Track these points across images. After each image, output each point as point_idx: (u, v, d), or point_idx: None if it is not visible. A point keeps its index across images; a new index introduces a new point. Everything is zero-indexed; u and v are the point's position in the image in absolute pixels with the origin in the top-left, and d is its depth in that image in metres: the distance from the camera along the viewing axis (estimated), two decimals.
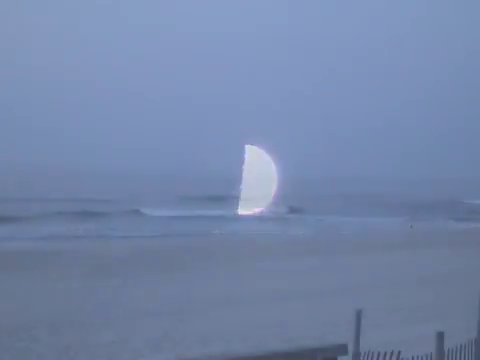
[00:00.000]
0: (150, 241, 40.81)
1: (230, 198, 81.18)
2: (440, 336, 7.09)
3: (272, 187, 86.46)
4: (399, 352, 7.07)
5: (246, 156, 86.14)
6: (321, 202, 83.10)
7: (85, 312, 16.82)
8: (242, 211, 69.04)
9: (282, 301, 18.95)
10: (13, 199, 67.66)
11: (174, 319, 16.05)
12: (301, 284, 22.09)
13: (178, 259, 29.11)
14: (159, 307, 17.84)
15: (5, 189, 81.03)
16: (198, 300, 18.85)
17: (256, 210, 70.55)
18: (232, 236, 46.06)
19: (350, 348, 6.85)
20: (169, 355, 12.48)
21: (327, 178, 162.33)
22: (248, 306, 18.18)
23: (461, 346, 8.08)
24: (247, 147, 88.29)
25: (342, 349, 6.09)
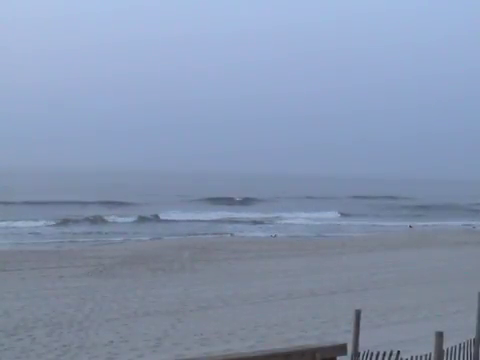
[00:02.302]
0: None
1: None
2: (439, 336, 7.11)
3: None
4: (398, 352, 7.09)
5: None
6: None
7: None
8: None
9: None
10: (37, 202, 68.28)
11: (174, 319, 16.08)
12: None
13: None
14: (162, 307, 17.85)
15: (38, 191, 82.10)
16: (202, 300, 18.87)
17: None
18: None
19: (349, 348, 6.88)
20: (169, 355, 12.49)
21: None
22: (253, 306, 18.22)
23: (460, 346, 8.10)
24: None
25: (341, 349, 6.12)
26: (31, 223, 49.40)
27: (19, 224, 48.76)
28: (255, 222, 58.45)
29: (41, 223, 50.12)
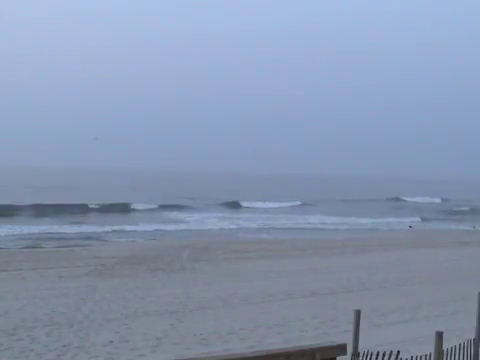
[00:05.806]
0: None
1: None
2: (439, 336, 7.11)
3: None
4: (398, 352, 7.08)
5: None
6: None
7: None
8: None
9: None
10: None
11: (174, 319, 16.07)
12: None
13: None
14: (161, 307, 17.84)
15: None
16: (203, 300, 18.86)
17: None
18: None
19: (349, 348, 6.87)
20: (169, 355, 12.49)
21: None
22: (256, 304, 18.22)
23: (460, 346, 8.10)
24: None
25: (341, 349, 6.11)
26: None
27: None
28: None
29: None
